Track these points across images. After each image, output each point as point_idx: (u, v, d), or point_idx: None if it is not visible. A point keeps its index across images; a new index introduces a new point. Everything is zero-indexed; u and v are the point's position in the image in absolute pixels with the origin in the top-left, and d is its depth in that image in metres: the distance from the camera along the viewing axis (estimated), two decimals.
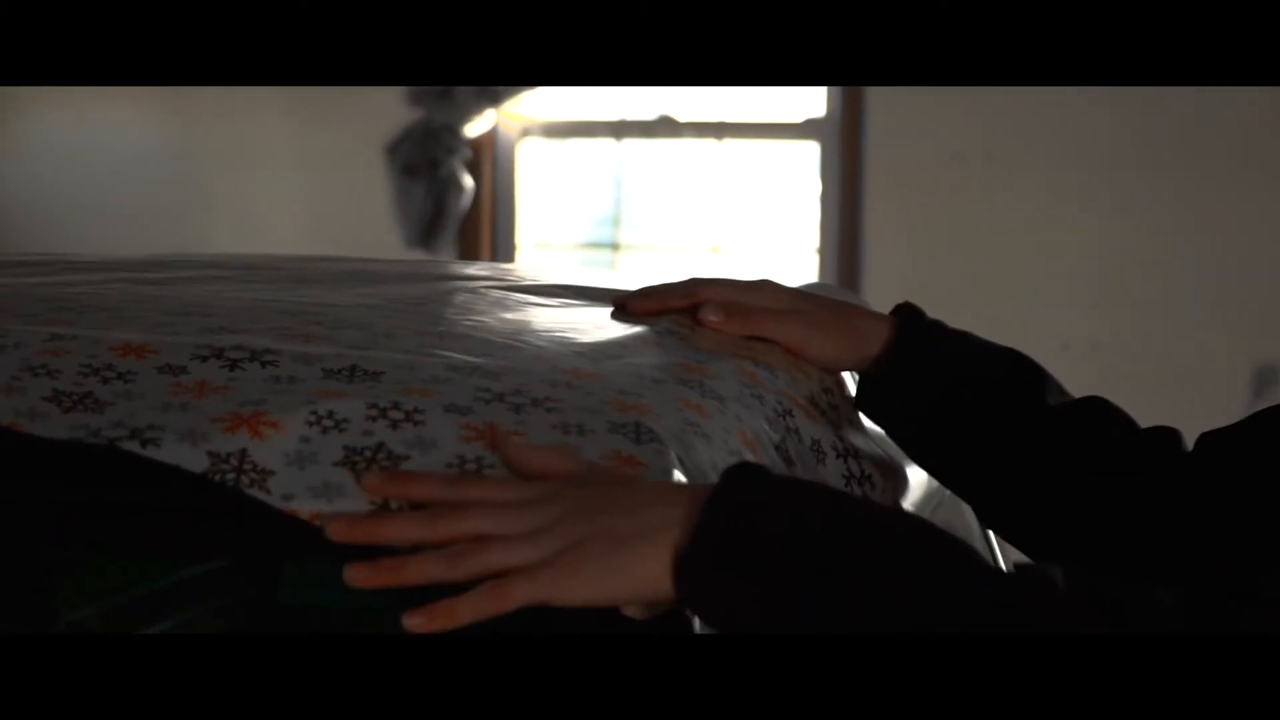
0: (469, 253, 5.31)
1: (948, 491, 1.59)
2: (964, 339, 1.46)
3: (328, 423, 1.12)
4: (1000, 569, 1.11)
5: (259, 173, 5.47)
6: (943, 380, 1.43)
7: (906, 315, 1.47)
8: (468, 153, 5.25)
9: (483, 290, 1.49)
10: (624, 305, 1.47)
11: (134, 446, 1.09)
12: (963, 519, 1.86)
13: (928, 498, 1.60)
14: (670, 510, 1.07)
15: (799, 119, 5.13)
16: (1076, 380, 1.51)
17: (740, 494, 1.07)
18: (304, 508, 1.08)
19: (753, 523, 1.05)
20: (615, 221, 5.44)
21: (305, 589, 1.13)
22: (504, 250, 5.38)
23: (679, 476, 1.14)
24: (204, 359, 1.18)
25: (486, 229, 5.37)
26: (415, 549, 1.06)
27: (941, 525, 1.77)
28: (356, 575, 1.04)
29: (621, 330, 1.38)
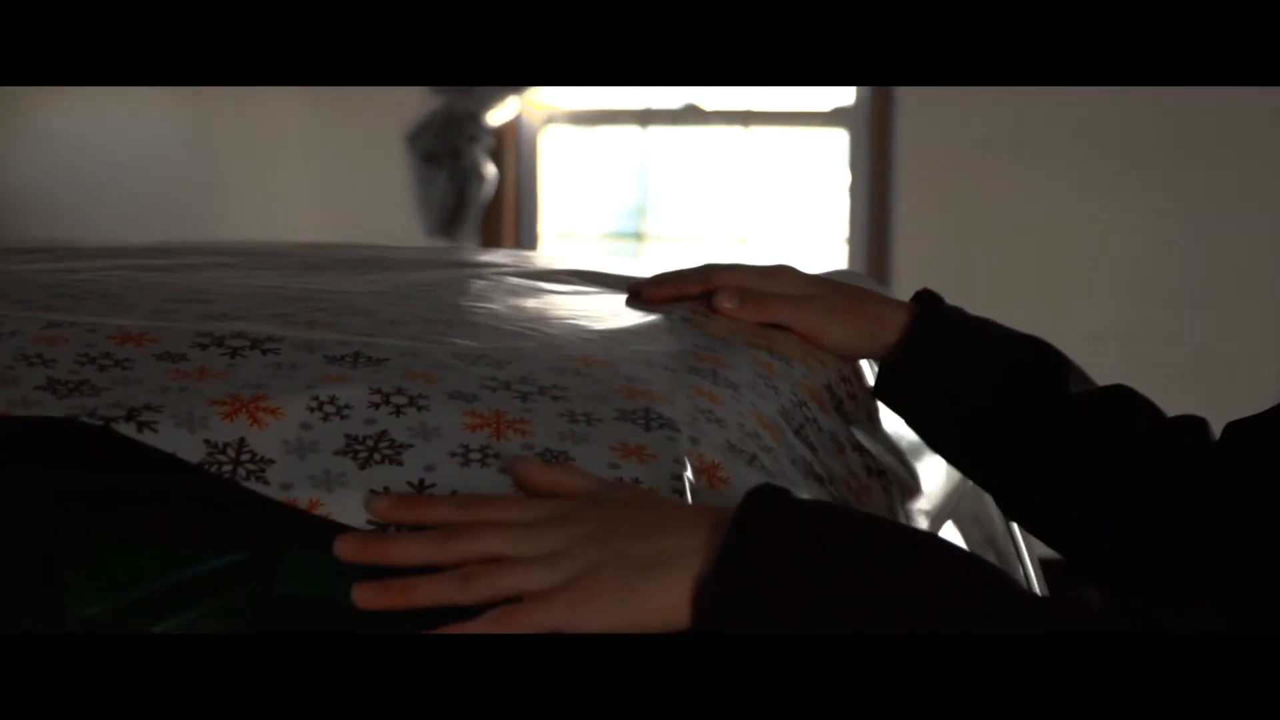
0: (492, 243, 5.30)
1: (970, 482, 1.58)
2: (984, 325, 1.44)
3: (329, 408, 1.11)
4: (1035, 594, 1.09)
5: (276, 162, 5.47)
6: (961, 368, 1.42)
7: (925, 302, 1.45)
8: (490, 141, 5.24)
9: (494, 277, 1.48)
10: (638, 292, 1.45)
11: (130, 429, 1.08)
12: (985, 510, 1.85)
13: (950, 489, 1.58)
14: (690, 536, 1.04)
15: (827, 107, 5.11)
16: (1108, 372, 1.49)
17: (763, 522, 1.04)
18: (303, 496, 1.07)
19: (776, 554, 1.03)
20: (640, 211, 5.42)
21: (304, 580, 1.12)
22: (527, 241, 5.37)
23: (690, 466, 1.13)
24: (204, 347, 1.17)
25: (509, 219, 5.36)
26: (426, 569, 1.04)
27: (968, 517, 1.77)
28: (364, 596, 1.03)
29: (634, 318, 1.37)
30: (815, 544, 1.03)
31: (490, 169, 5.23)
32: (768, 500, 1.05)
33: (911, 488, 1.45)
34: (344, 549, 1.04)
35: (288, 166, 5.46)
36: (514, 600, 1.03)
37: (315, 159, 5.43)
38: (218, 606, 1.18)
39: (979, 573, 1.05)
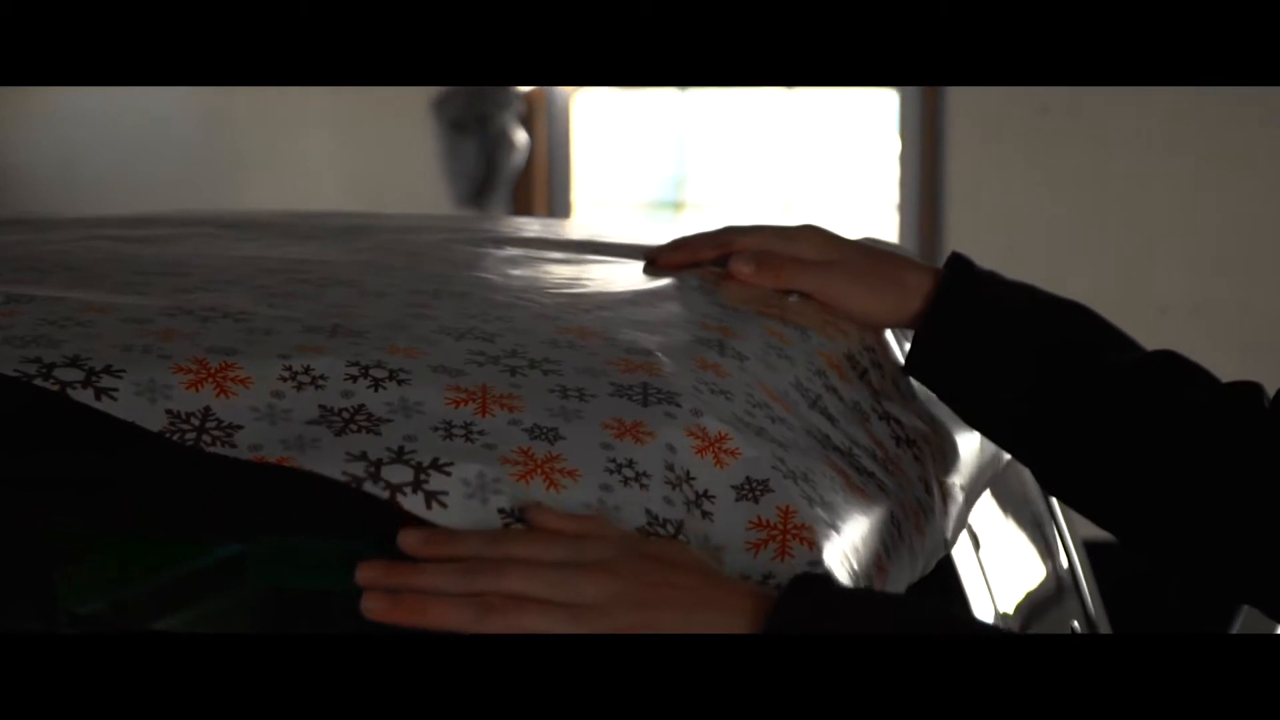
0: (523, 214, 5.28)
1: (1007, 455, 1.54)
2: (1018, 291, 1.41)
3: (303, 378, 1.08)
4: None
5: (298, 131, 5.46)
6: (992, 336, 1.38)
7: (955, 267, 1.41)
8: (521, 106, 5.21)
9: (490, 245, 1.46)
10: (654, 259, 1.43)
11: (87, 396, 1.05)
12: (1027, 489, 1.81)
13: (984, 460, 1.54)
14: (729, 622, 1.03)
15: None
16: (1175, 344, 1.44)
17: (806, 617, 1.03)
18: (272, 454, 1.04)
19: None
20: (679, 178, 5.39)
21: (280, 569, 1.09)
22: (560, 211, 5.36)
23: (690, 445, 1.11)
24: (172, 316, 1.14)
25: (542, 189, 5.33)
26: None
27: (1016, 498, 1.73)
28: (375, 608, 1.01)
29: (640, 286, 1.35)
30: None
31: (521, 136, 5.21)
32: (808, 593, 1.04)
33: (948, 458, 1.42)
34: (366, 576, 1.02)
35: (311, 135, 5.45)
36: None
37: (339, 127, 5.42)
38: (220, 602, 1.16)
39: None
